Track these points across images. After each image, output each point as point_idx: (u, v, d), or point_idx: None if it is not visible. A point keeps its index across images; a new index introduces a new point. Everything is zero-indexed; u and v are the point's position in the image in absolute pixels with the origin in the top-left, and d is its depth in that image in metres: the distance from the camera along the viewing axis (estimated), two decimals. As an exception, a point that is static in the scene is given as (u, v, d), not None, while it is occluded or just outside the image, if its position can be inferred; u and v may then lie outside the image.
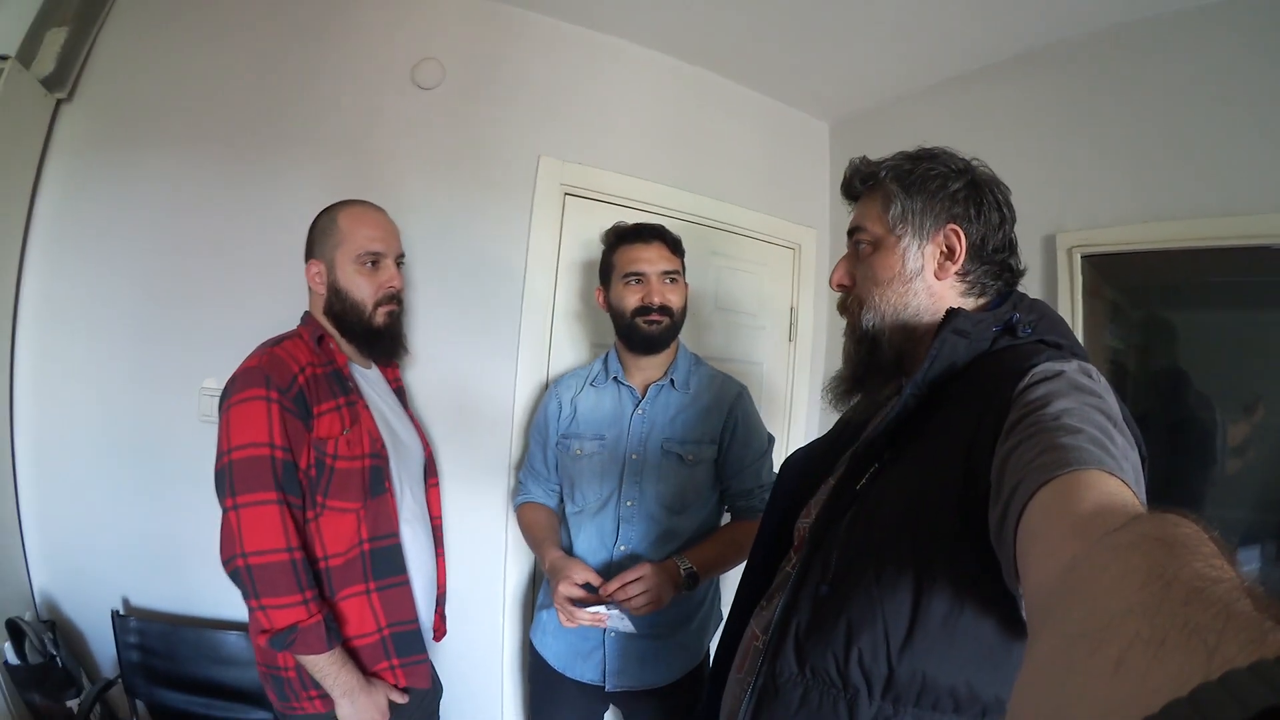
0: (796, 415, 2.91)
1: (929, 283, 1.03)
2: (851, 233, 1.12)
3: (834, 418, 2.84)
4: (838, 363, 2.89)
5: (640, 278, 1.86)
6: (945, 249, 1.03)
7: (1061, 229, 2.11)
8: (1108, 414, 0.73)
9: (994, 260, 1.03)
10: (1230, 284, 1.85)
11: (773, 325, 2.87)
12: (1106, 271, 2.06)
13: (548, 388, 2.17)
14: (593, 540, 1.82)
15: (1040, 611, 0.49)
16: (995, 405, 0.81)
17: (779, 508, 1.21)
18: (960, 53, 2.38)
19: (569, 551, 1.84)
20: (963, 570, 0.78)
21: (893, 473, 0.92)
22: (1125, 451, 0.68)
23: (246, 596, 1.36)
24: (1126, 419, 0.77)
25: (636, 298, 1.84)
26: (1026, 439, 0.70)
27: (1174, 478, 1.85)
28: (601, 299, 1.97)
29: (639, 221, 1.96)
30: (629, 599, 1.58)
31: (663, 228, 1.93)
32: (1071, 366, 0.82)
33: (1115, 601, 0.37)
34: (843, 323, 2.94)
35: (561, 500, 1.98)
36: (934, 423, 0.91)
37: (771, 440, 1.99)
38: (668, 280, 1.87)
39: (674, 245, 1.92)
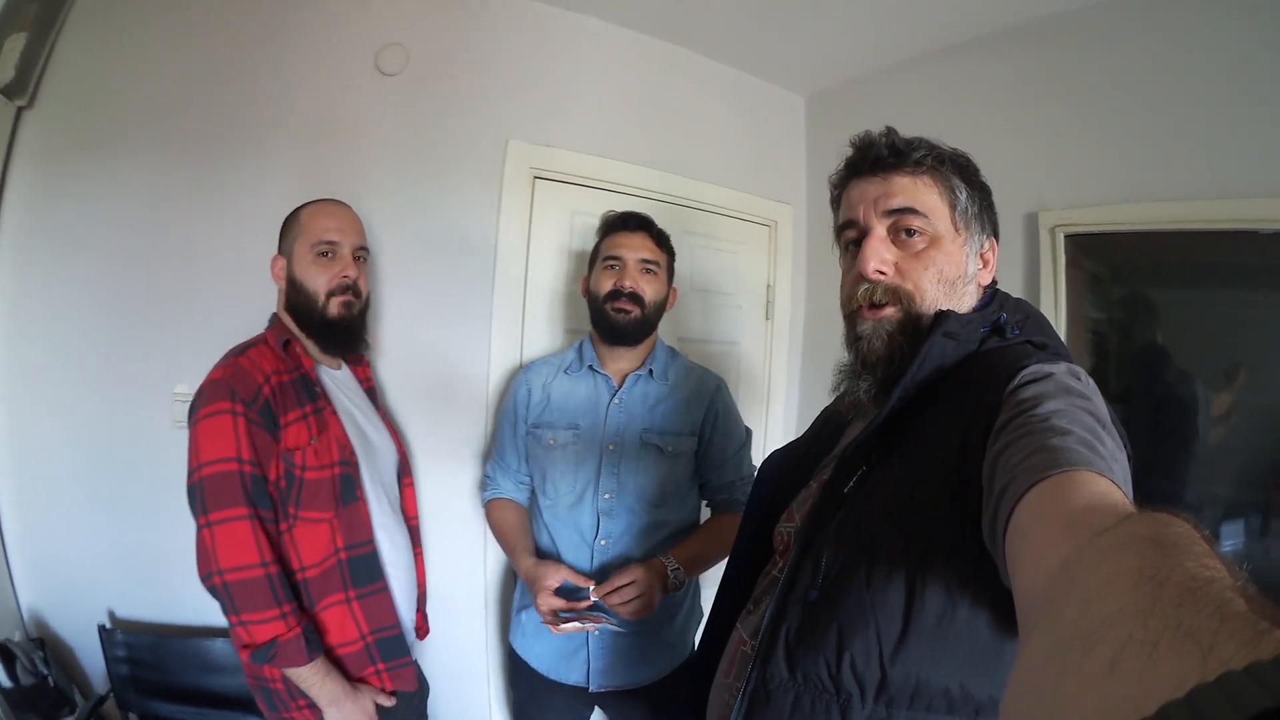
0: (775, 394, 2.90)
1: (974, 289, 1.03)
2: (895, 213, 0.99)
3: (813, 397, 2.85)
4: (816, 341, 2.91)
5: (618, 262, 1.84)
6: (982, 260, 1.03)
7: (1044, 207, 2.09)
8: (1096, 416, 0.73)
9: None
10: (1218, 265, 1.84)
11: (749, 304, 2.85)
12: (1088, 248, 2.05)
13: (518, 372, 2.13)
14: (572, 537, 1.80)
15: (1032, 613, 0.49)
16: (986, 406, 0.81)
17: (758, 511, 1.20)
18: (942, 25, 2.32)
19: (547, 551, 1.82)
20: (955, 571, 0.77)
21: (881, 475, 0.90)
22: (1114, 453, 0.68)
23: (226, 612, 1.37)
24: (1113, 420, 0.78)
25: (610, 281, 1.83)
26: (1016, 440, 0.70)
27: (1157, 455, 1.87)
28: (584, 286, 1.95)
29: (630, 210, 1.94)
30: (622, 603, 1.58)
31: (651, 219, 1.92)
32: (1060, 369, 0.82)
33: (1108, 603, 0.37)
34: (823, 301, 2.89)
35: (533, 494, 1.94)
36: (922, 424, 0.90)
37: (749, 433, 1.99)
38: (645, 270, 1.85)
39: (659, 238, 1.91)
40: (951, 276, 0.99)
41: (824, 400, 2.81)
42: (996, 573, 0.67)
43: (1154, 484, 1.84)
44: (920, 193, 0.99)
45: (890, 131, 1.02)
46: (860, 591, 0.83)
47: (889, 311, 0.99)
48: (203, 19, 1.92)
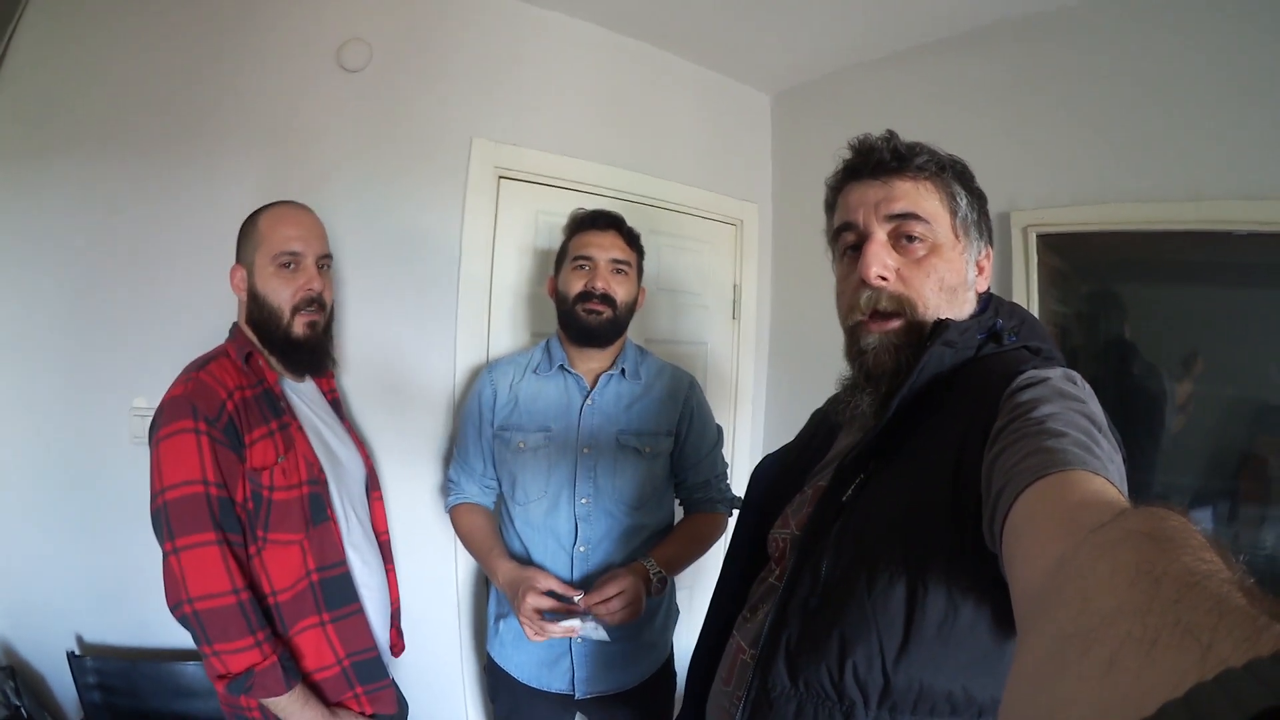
0: (743, 393, 2.90)
1: (971, 296, 1.02)
2: (897, 218, 0.97)
3: (780, 396, 2.86)
4: (783, 340, 2.92)
5: (588, 262, 1.80)
6: (978, 268, 1.03)
7: (1016, 207, 2.11)
8: (1092, 418, 0.74)
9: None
10: (1187, 263, 1.89)
11: (716, 303, 2.84)
12: (1054, 244, 2.08)
13: (481, 371, 2.08)
14: (549, 544, 1.76)
15: (1029, 612, 0.49)
16: (983, 412, 0.81)
17: (751, 517, 1.18)
18: (911, 25, 2.33)
19: (520, 559, 1.77)
20: (956, 576, 0.78)
21: (880, 482, 0.90)
22: (1110, 454, 0.68)
23: (198, 642, 1.31)
24: (1109, 423, 0.78)
25: (581, 282, 1.79)
26: (1013, 443, 0.71)
27: (1125, 446, 1.91)
28: (551, 287, 1.91)
29: (600, 209, 1.90)
30: (609, 612, 1.54)
31: (622, 218, 1.88)
32: (1056, 373, 0.83)
33: (1105, 600, 0.37)
34: (789, 300, 2.90)
35: (501, 499, 1.89)
36: (921, 431, 0.90)
37: (720, 430, 1.99)
38: (616, 270, 1.82)
39: (630, 237, 1.88)
40: (953, 284, 0.98)
41: (791, 399, 2.85)
42: (997, 576, 0.67)
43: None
44: (922, 198, 0.98)
45: (891, 135, 1.01)
46: (861, 598, 0.83)
47: (895, 324, 0.97)
48: (161, 13, 1.84)
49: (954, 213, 0.99)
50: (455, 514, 1.91)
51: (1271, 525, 1.76)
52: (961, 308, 1.00)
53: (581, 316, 1.78)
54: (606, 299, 1.78)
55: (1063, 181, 2.05)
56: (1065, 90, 2.06)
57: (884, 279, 0.97)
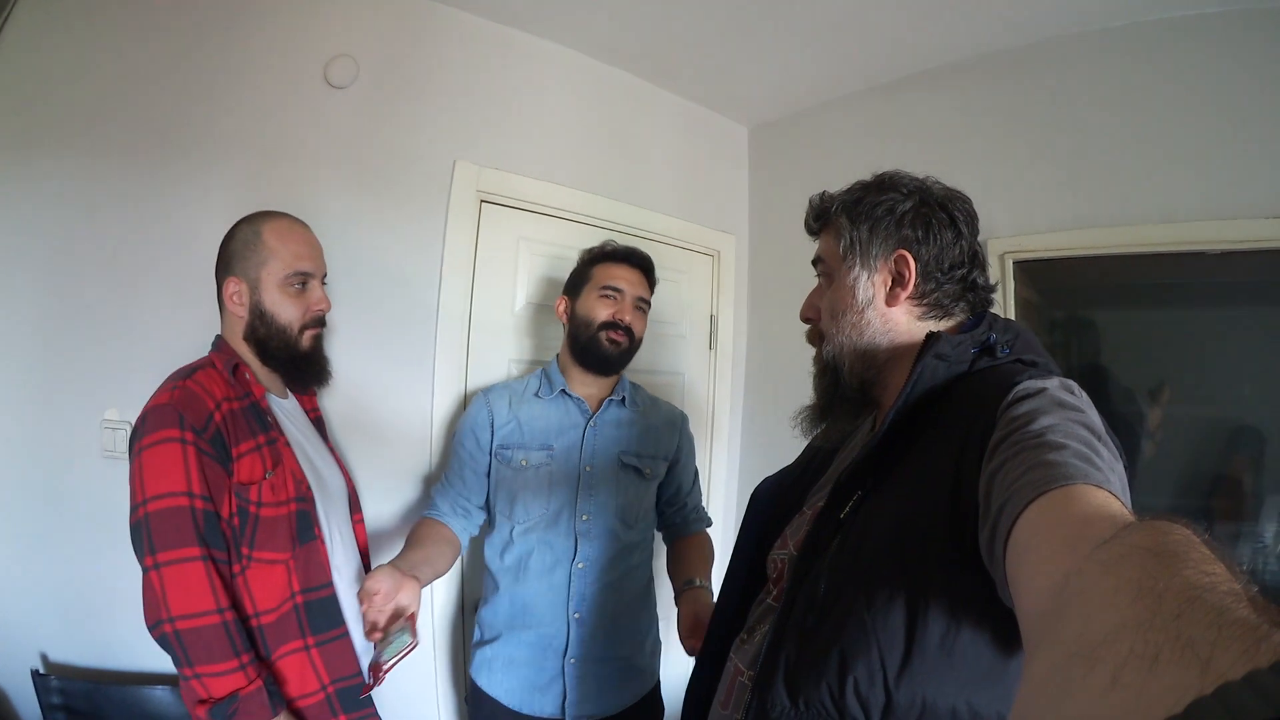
0: (719, 424, 2.90)
1: (881, 310, 1.04)
2: (815, 264, 1.15)
3: (756, 427, 2.86)
4: (759, 370, 2.94)
5: (618, 294, 1.85)
6: (895, 275, 1.02)
7: (993, 235, 2.14)
8: (1090, 428, 0.74)
9: (952, 278, 1.02)
10: (1156, 285, 1.94)
11: (693, 333, 2.85)
12: (1027, 275, 2.12)
13: (468, 400, 2.09)
14: (547, 559, 1.77)
15: (1035, 630, 0.49)
16: (980, 425, 0.81)
17: (751, 539, 1.19)
18: (886, 60, 2.39)
19: (511, 576, 1.79)
20: (957, 591, 0.77)
21: (877, 499, 0.90)
22: (1111, 464, 0.68)
23: (179, 664, 1.22)
24: (1108, 430, 0.78)
25: (609, 310, 1.84)
26: (1012, 457, 0.70)
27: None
28: (563, 309, 1.93)
29: (634, 247, 1.95)
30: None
31: (652, 261, 1.97)
32: (1053, 383, 0.83)
33: (1109, 618, 0.37)
34: (765, 330, 2.97)
35: (474, 521, 1.85)
36: (917, 447, 0.90)
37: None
38: (638, 306, 1.90)
39: (653, 282, 1.97)
40: (839, 309, 1.07)
41: (768, 429, 2.85)
42: (996, 591, 0.67)
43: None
44: (823, 243, 1.13)
45: (813, 204, 1.15)
46: (861, 615, 0.82)
47: (815, 349, 1.15)
48: (147, 18, 1.80)
49: (839, 243, 1.07)
50: (414, 526, 1.85)
51: (1246, 541, 1.80)
52: (860, 327, 1.05)
53: (604, 344, 1.83)
54: (628, 331, 1.86)
55: (1038, 208, 2.10)
56: (1038, 119, 2.13)
57: (809, 318, 1.16)
